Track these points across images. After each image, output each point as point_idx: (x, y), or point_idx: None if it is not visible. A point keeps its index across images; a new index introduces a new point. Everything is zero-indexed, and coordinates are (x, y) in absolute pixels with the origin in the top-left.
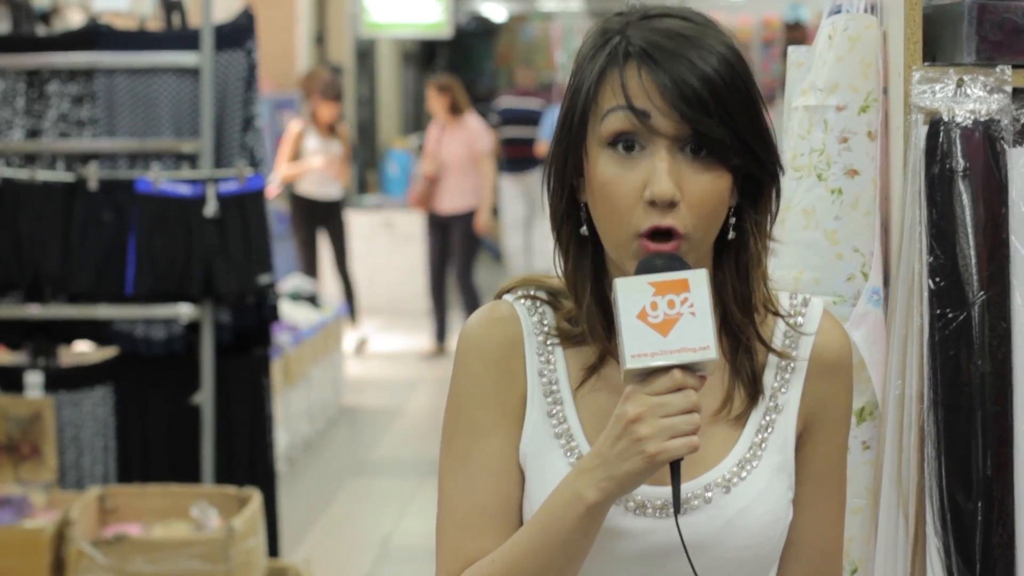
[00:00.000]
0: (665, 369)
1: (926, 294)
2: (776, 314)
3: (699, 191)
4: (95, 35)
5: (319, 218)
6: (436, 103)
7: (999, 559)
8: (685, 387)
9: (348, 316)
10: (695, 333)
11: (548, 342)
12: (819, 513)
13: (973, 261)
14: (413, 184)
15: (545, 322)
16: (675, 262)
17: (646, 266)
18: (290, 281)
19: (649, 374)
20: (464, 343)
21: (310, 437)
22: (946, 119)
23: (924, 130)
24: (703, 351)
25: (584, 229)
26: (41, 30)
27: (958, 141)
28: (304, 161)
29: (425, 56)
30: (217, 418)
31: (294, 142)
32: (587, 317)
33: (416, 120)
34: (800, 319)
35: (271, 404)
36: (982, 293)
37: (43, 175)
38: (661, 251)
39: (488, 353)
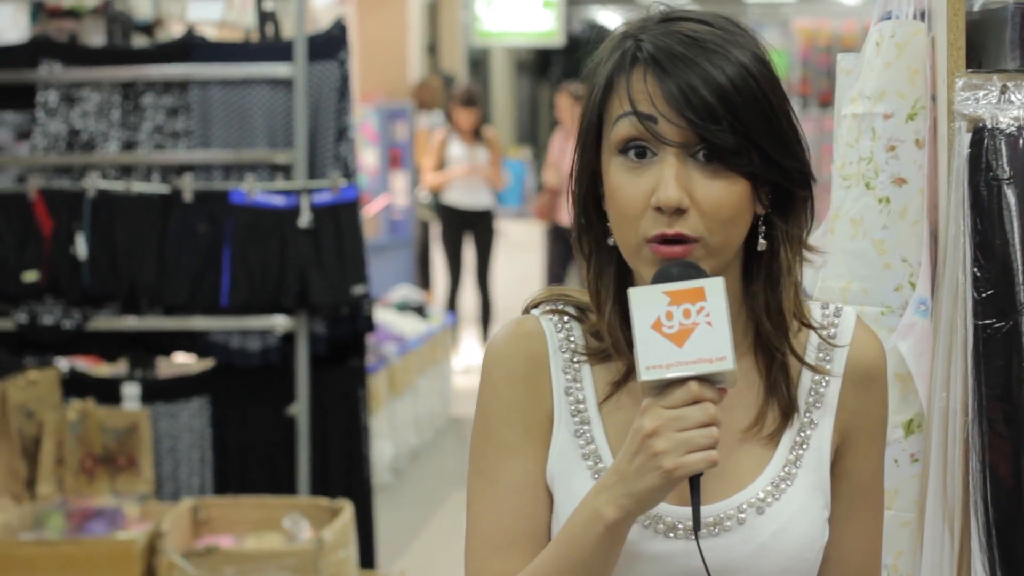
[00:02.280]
0: (681, 381)
1: (970, 304)
2: (808, 326)
3: (710, 197)
4: (189, 47)
5: (466, 227)
6: (568, 112)
7: None
8: (702, 399)
9: (481, 330)
10: (711, 343)
11: (575, 359)
12: (857, 528)
13: (1019, 270)
14: (535, 194)
15: (572, 339)
16: (691, 270)
17: (662, 275)
18: (398, 291)
19: (665, 387)
20: (489, 360)
21: (417, 447)
22: (990, 126)
23: (967, 138)
24: (720, 362)
25: (611, 239)
26: (142, 42)
27: (1003, 148)
28: (448, 170)
29: (539, 65)
30: (312, 429)
31: (438, 150)
32: (610, 330)
33: (531, 129)
34: (833, 330)
35: (366, 415)
36: None
37: (138, 187)
38: (673, 256)
39: (513, 370)
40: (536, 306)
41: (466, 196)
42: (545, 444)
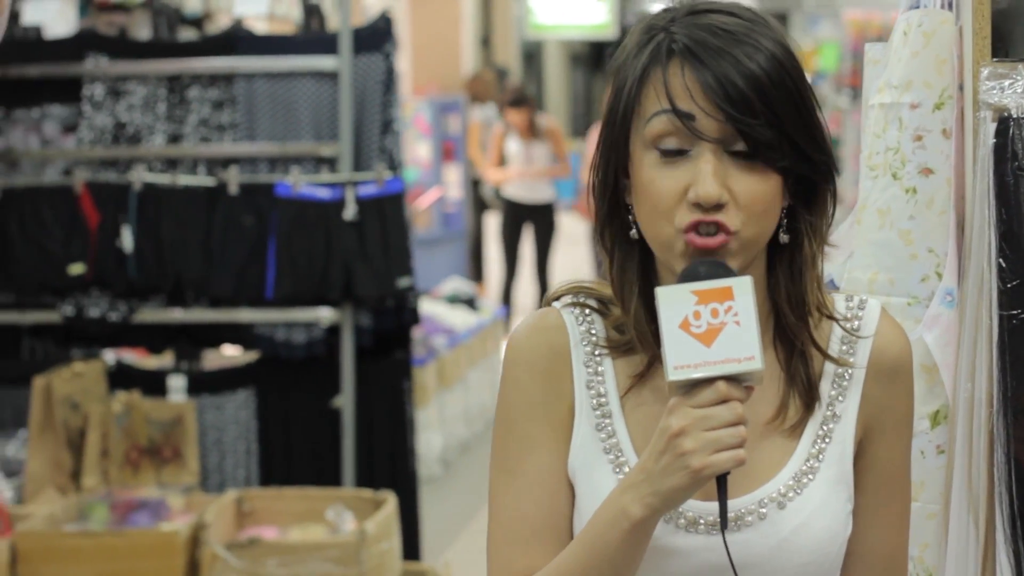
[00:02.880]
0: (709, 381)
1: (995, 294)
2: (831, 318)
3: (748, 192)
4: (235, 40)
5: (526, 220)
6: None
7: None
8: (730, 399)
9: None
10: (740, 343)
11: (596, 352)
12: (882, 521)
13: None
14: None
15: (594, 331)
16: (719, 269)
17: (689, 274)
18: (449, 284)
19: (693, 386)
20: (511, 353)
21: (466, 440)
22: (1015, 115)
23: (993, 127)
24: (748, 362)
25: (634, 232)
26: (189, 35)
27: None
28: (506, 169)
29: (593, 57)
30: (357, 422)
31: (497, 146)
32: (634, 323)
33: (585, 122)
34: (857, 323)
35: (411, 407)
36: None
37: (184, 180)
38: (708, 247)
39: (534, 363)
40: (558, 299)
41: (524, 191)
42: (567, 437)
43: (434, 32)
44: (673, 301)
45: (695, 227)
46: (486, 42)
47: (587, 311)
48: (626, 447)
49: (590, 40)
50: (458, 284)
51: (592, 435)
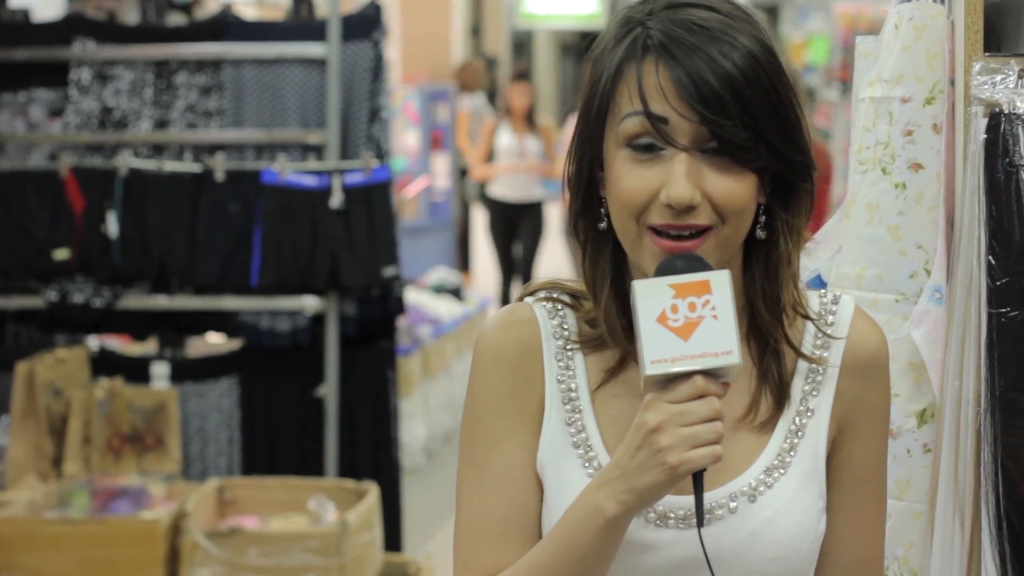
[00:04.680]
0: (686, 375)
1: (984, 292)
2: (806, 317)
3: (722, 191)
4: (223, 26)
5: (514, 220)
6: None
7: None
8: (707, 394)
9: None
10: (717, 337)
11: (568, 347)
12: (856, 521)
13: None
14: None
15: (565, 326)
16: (696, 263)
17: (666, 267)
18: (435, 273)
19: (670, 381)
20: (480, 347)
21: (450, 430)
22: (1007, 111)
23: (984, 123)
24: (726, 356)
25: (603, 224)
26: (180, 20)
27: (1019, 134)
28: (496, 164)
29: (583, 47)
30: (341, 411)
31: (487, 140)
32: (606, 317)
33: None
34: (831, 318)
35: (395, 397)
36: None
37: (170, 166)
38: (682, 250)
39: (504, 357)
40: (531, 294)
41: (514, 189)
42: (536, 432)
43: (424, 21)
44: (650, 294)
45: (665, 230)
46: (476, 31)
47: (559, 306)
48: (596, 442)
49: (580, 30)
50: (444, 274)
51: (562, 429)
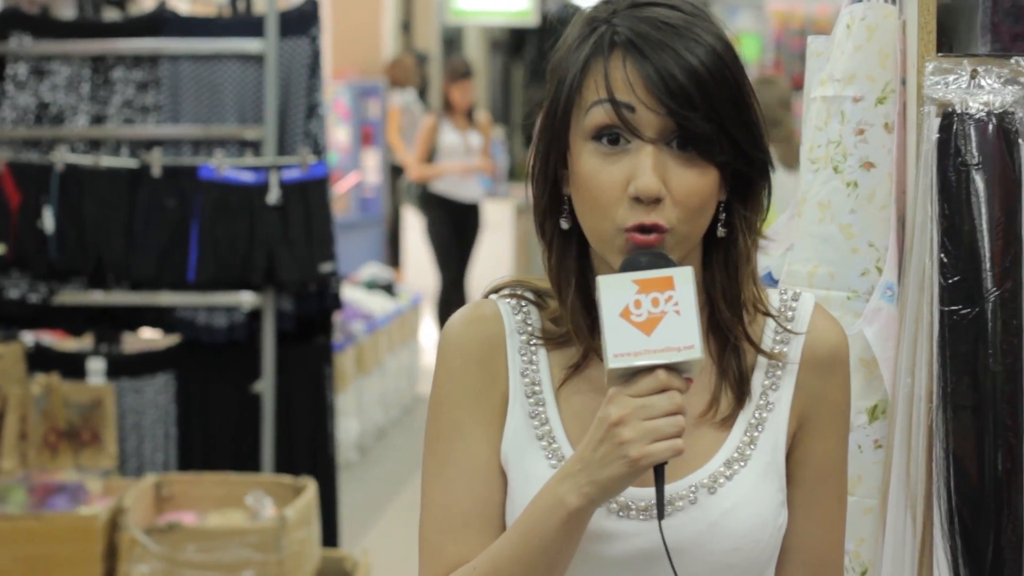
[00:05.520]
0: (649, 369)
1: (936, 290)
2: (766, 313)
3: (685, 186)
4: (160, 21)
5: (460, 220)
6: None
7: (1007, 562)
8: (669, 388)
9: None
10: (680, 332)
11: (531, 342)
12: (817, 516)
13: (986, 257)
14: (507, 172)
15: (529, 322)
16: (660, 259)
17: (630, 263)
18: (367, 269)
19: (632, 375)
20: (445, 341)
21: (384, 426)
22: (959, 111)
23: (937, 122)
24: (688, 350)
25: (565, 223)
26: (114, 15)
27: (972, 134)
28: (442, 164)
29: (513, 44)
30: (277, 407)
31: (427, 138)
32: (571, 314)
33: (504, 109)
34: (791, 314)
35: (332, 393)
36: (995, 289)
37: (107, 161)
38: (646, 244)
39: (469, 352)
40: (496, 292)
41: (459, 187)
42: (500, 426)
43: (354, 16)
44: (614, 290)
45: (637, 228)
46: (407, 27)
47: (523, 303)
48: (559, 435)
49: (510, 27)
50: (376, 269)
51: (525, 422)
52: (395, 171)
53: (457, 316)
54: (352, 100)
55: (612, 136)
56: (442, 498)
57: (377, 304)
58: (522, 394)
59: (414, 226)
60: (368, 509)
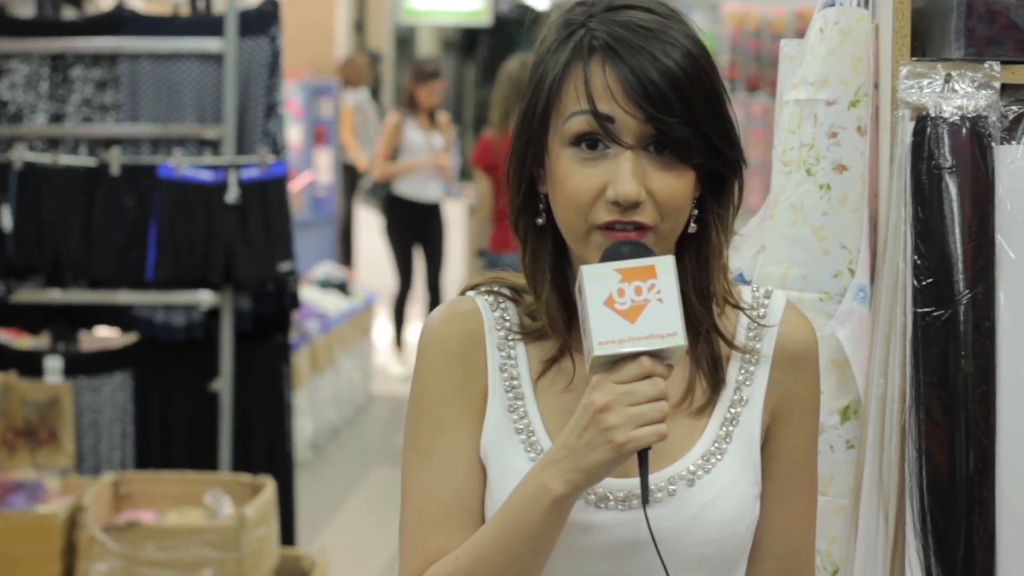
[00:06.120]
0: (633, 356)
1: (910, 292)
2: (736, 306)
3: (665, 189)
4: (119, 20)
5: (417, 223)
6: None
7: (979, 561)
8: (653, 374)
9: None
10: (662, 319)
11: (510, 338)
12: (789, 509)
13: (958, 259)
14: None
15: (507, 317)
16: (641, 249)
17: (612, 253)
18: (320, 268)
19: (616, 362)
20: (425, 339)
21: (337, 425)
22: (933, 115)
23: (911, 126)
24: (671, 337)
25: (541, 220)
26: (71, 14)
27: (945, 137)
28: (407, 160)
29: (466, 44)
30: (235, 405)
31: (391, 137)
32: (546, 309)
33: (456, 109)
34: (763, 310)
35: (290, 392)
36: (967, 292)
37: (65, 160)
38: (627, 239)
39: (449, 348)
40: (473, 288)
41: (422, 188)
42: (479, 420)
43: (307, 15)
44: (598, 279)
45: (611, 226)
46: (360, 26)
47: (501, 299)
48: (538, 428)
49: (463, 27)
50: (330, 268)
51: (504, 416)
52: (347, 170)
53: (437, 313)
54: (305, 99)
55: (591, 142)
56: (423, 492)
57: (331, 303)
58: (501, 389)
59: (367, 225)
60: (323, 508)
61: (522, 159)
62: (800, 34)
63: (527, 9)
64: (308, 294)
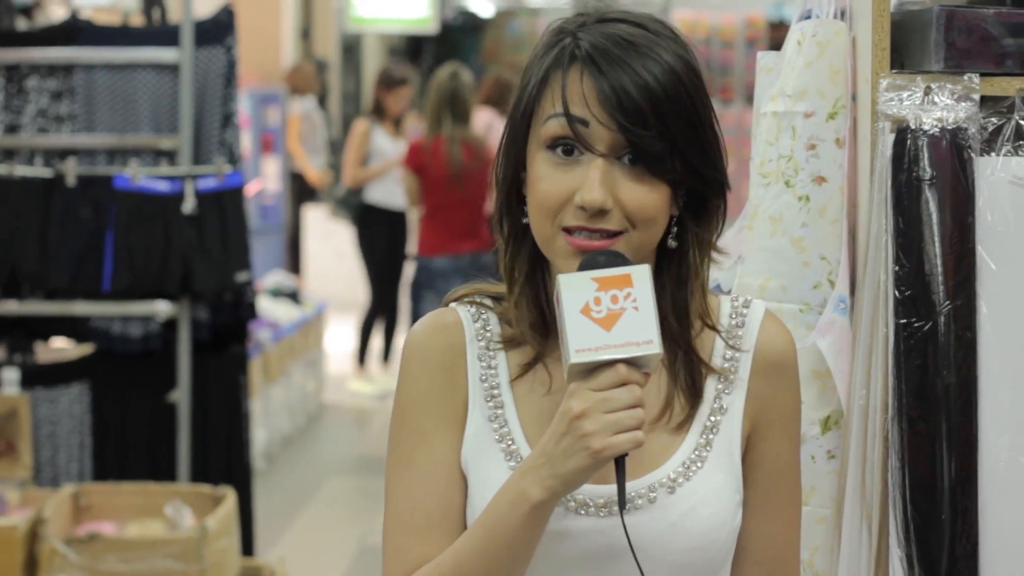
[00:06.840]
0: (609, 364)
1: (891, 303)
2: (712, 328)
3: (634, 200)
4: (75, 30)
5: (396, 229)
6: None
7: (962, 571)
8: (629, 382)
9: (384, 347)
10: (639, 327)
11: (490, 347)
12: (772, 517)
13: (939, 270)
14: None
15: (488, 328)
16: (617, 258)
17: (589, 262)
18: (271, 277)
19: (593, 369)
20: (408, 350)
21: (290, 434)
22: (913, 127)
23: (891, 138)
24: (647, 345)
25: (526, 220)
26: (22, 24)
27: (925, 149)
28: (379, 164)
29: (411, 51)
30: (193, 416)
31: (361, 144)
32: (519, 312)
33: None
34: (741, 319)
35: (248, 402)
36: (948, 303)
37: (21, 170)
38: (593, 248)
39: (431, 360)
40: (457, 300)
41: (393, 195)
42: (461, 430)
43: (254, 23)
44: (574, 287)
45: (576, 231)
46: (306, 34)
47: (483, 310)
48: (518, 436)
49: (409, 34)
50: (280, 277)
51: (485, 426)
52: (295, 178)
53: (420, 324)
54: (252, 107)
55: (567, 147)
56: (405, 501)
57: (283, 312)
58: (481, 398)
59: (314, 232)
60: (279, 517)
61: (507, 160)
62: (750, 41)
63: (473, 16)
64: (260, 303)
